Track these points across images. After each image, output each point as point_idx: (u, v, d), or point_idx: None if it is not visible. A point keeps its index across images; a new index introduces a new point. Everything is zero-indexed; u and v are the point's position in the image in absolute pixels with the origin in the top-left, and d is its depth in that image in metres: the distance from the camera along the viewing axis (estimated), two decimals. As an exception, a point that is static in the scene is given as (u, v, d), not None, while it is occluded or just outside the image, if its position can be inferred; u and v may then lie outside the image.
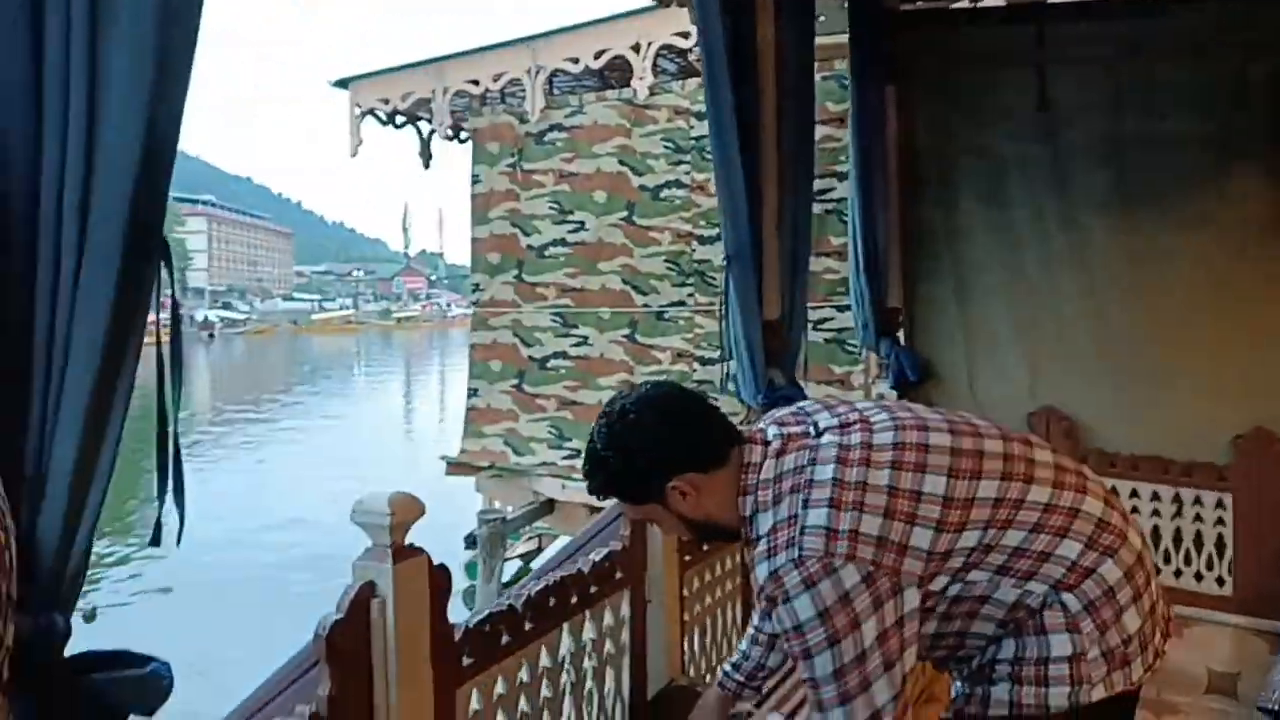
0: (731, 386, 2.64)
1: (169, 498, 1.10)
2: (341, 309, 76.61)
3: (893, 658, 1.32)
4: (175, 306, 1.10)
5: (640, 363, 5.68)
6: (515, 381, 6.10)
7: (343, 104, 6.93)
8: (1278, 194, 3.30)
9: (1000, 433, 1.46)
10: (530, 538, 7.23)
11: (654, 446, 1.45)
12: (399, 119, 6.69)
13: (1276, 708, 2.82)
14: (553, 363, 5.97)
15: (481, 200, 6.10)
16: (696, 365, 5.43)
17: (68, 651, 0.95)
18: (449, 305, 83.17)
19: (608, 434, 1.46)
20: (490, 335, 6.16)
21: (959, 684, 1.48)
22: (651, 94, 5.48)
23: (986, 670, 1.41)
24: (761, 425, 1.52)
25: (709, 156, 5.35)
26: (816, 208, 3.90)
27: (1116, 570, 1.38)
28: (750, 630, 1.89)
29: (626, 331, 5.70)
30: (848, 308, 4.86)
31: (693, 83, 5.41)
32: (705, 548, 2.41)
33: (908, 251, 3.96)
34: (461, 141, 6.81)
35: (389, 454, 16.49)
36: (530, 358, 6.03)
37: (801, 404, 1.56)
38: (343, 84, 6.96)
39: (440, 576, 1.50)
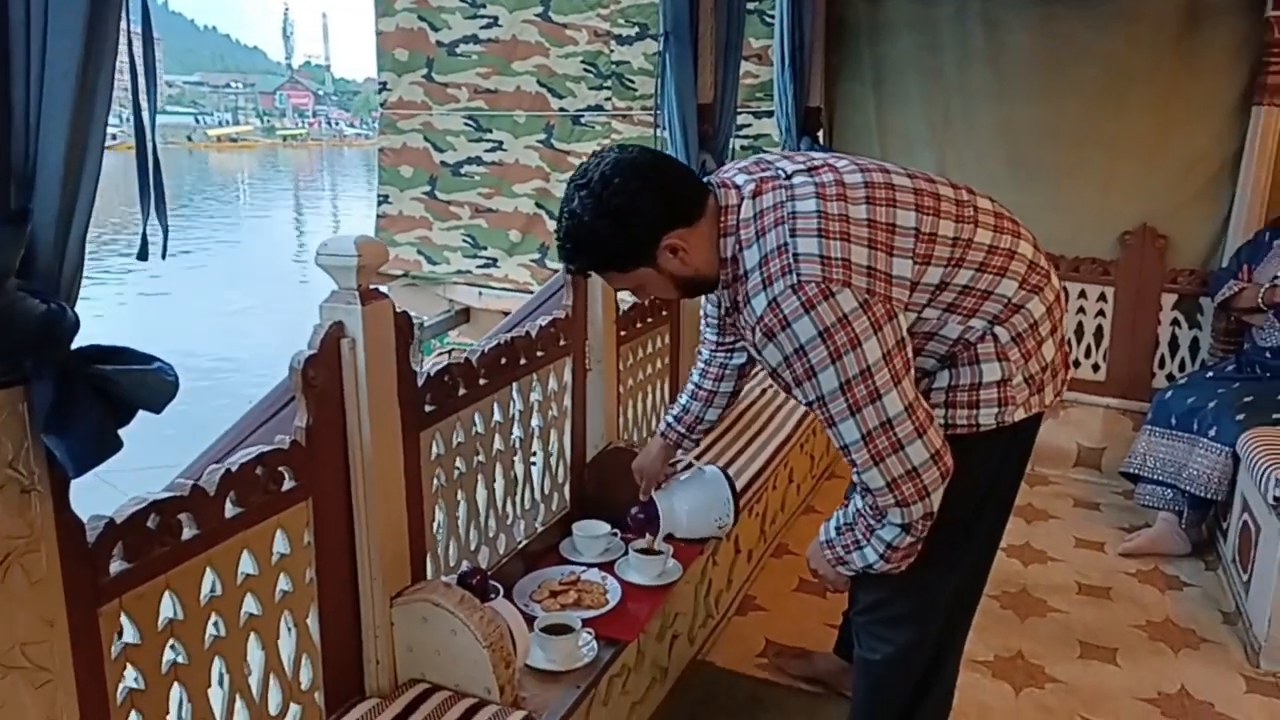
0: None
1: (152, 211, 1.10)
2: (234, 124, 71.85)
3: (902, 372, 1.41)
4: (146, 10, 1.07)
5: (556, 169, 5.58)
6: (427, 188, 5.94)
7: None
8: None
9: (948, 181, 1.57)
10: (442, 352, 7.27)
11: (645, 208, 1.45)
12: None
13: (1134, 471, 3.20)
14: (466, 169, 5.81)
15: (385, -10, 5.74)
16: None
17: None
18: (337, 123, 78.91)
19: (594, 203, 1.44)
20: (400, 139, 5.93)
21: None
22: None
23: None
24: (726, 175, 1.57)
25: (629, -51, 5.18)
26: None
27: (1041, 306, 1.54)
28: (690, 386, 2.02)
29: (542, 136, 5.57)
30: (766, 114, 4.87)
31: None
32: (638, 325, 2.51)
33: (831, 49, 3.96)
34: (359, -73, 6.30)
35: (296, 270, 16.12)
36: (442, 163, 5.85)
37: (758, 155, 1.62)
38: None
39: (404, 322, 1.55)
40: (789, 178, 1.49)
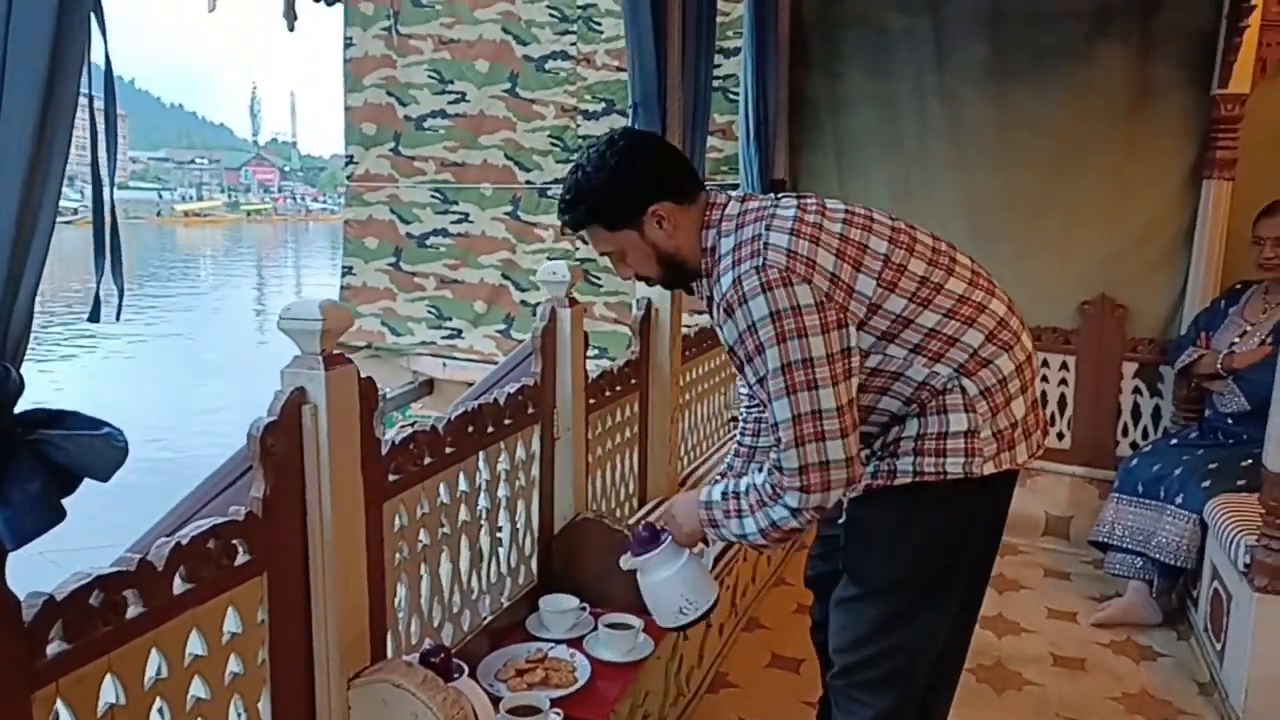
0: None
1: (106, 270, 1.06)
2: (199, 200, 72.04)
3: (843, 375, 1.47)
4: (108, 64, 1.05)
5: (522, 240, 5.60)
6: (392, 259, 5.91)
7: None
8: (1138, 70, 3.53)
9: (930, 234, 1.64)
10: (405, 425, 7.15)
11: (640, 171, 1.58)
12: (260, -25, 6.22)
13: (1103, 539, 3.20)
14: (432, 240, 5.81)
15: (355, 66, 5.77)
16: (580, 243, 5.41)
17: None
18: (303, 198, 79.24)
19: (598, 159, 1.58)
20: (366, 211, 5.93)
21: (870, 464, 1.62)
22: (535, -40, 5.29)
23: (892, 447, 1.58)
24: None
25: (596, 27, 5.30)
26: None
27: (1010, 364, 1.56)
28: (734, 445, 2.10)
29: (509, 209, 5.60)
30: (731, 186, 4.95)
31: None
32: (607, 393, 2.48)
33: (794, 122, 4.04)
34: (329, 4, 6.40)
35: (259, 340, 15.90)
36: (408, 235, 5.85)
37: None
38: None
39: (369, 388, 1.51)
40: (778, 199, 1.63)
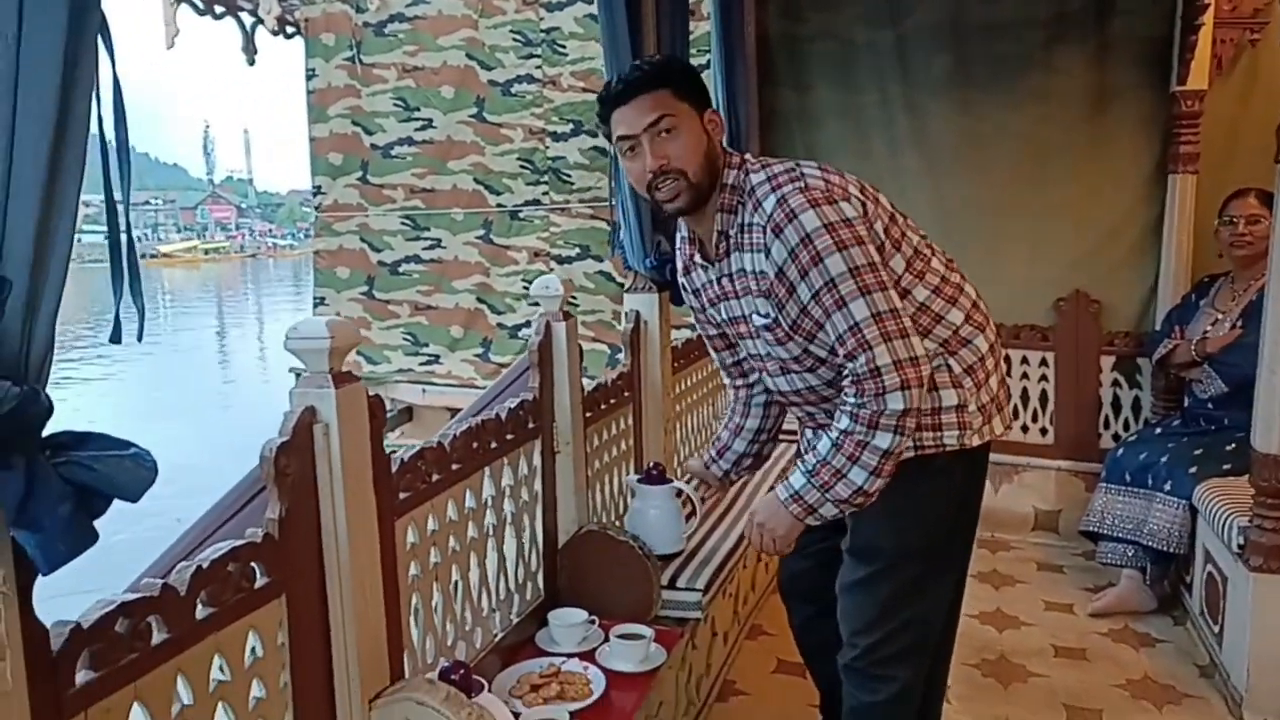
0: (619, 253, 2.69)
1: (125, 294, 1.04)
2: (159, 241, 71.32)
3: (890, 286, 1.55)
4: (117, 86, 1.04)
5: (496, 264, 5.58)
6: (365, 288, 5.87)
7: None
8: (1097, 74, 3.61)
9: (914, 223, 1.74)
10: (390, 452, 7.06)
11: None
12: (218, 8, 6.16)
13: (1094, 529, 3.23)
14: (404, 267, 5.77)
15: (318, 97, 5.74)
16: (554, 264, 5.41)
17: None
18: (261, 235, 78.56)
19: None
20: (336, 241, 5.88)
21: None
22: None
23: None
24: None
25: (560, 49, 5.32)
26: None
27: (985, 343, 1.69)
28: (728, 425, 2.10)
29: (481, 232, 5.58)
30: (702, 201, 4.97)
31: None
32: (602, 407, 2.47)
33: (765, 136, 4.08)
34: (288, 37, 6.37)
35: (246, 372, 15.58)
36: (380, 262, 5.80)
37: None
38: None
39: (377, 406, 1.50)
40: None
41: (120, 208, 1.03)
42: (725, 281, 1.72)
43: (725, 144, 1.72)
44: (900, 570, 1.69)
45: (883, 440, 1.54)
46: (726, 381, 2.08)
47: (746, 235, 1.61)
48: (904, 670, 1.72)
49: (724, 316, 1.80)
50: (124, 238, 1.02)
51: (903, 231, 1.65)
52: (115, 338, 1.04)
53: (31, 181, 0.89)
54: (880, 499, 1.64)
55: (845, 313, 1.52)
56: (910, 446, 1.61)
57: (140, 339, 1.05)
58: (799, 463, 1.74)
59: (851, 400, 1.55)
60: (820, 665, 2.04)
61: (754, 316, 1.69)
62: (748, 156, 1.69)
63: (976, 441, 1.66)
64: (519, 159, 5.48)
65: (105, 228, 1.01)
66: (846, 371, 1.57)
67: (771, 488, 1.83)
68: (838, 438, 1.58)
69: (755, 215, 1.58)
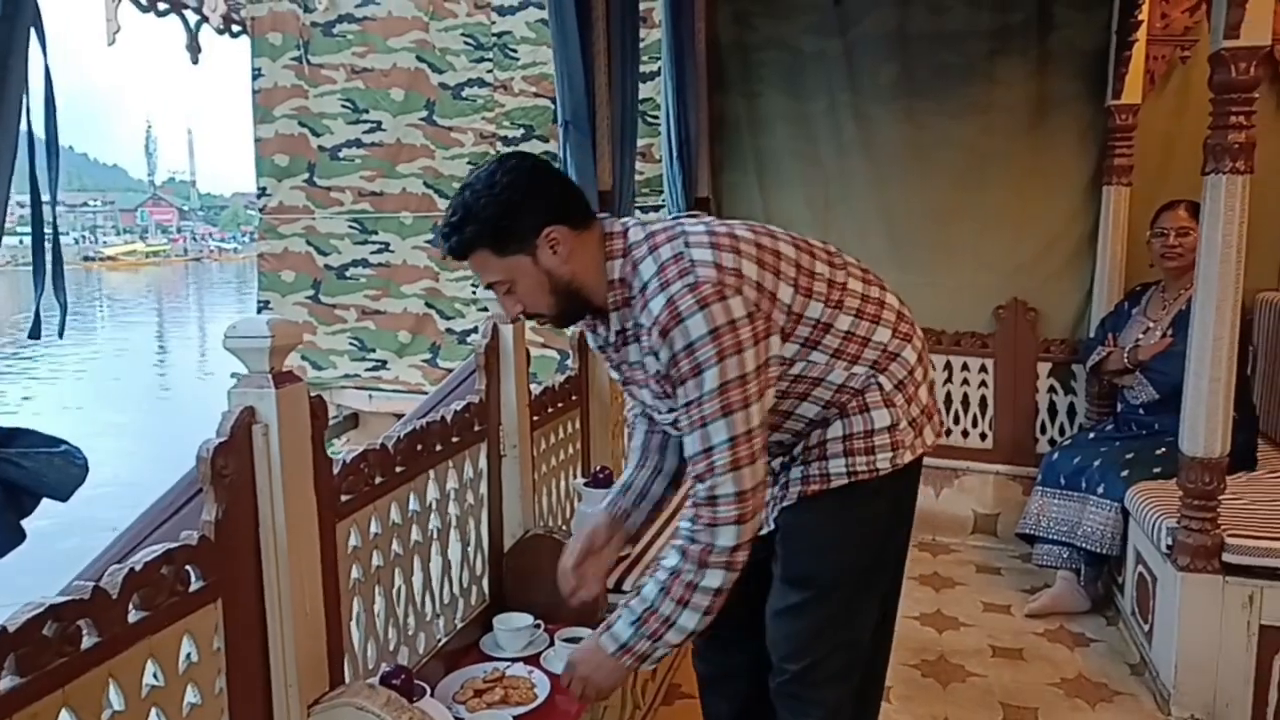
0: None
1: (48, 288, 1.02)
2: (98, 244, 69.49)
3: (765, 388, 1.46)
4: (48, 79, 1.02)
5: (445, 269, 5.54)
6: (311, 292, 5.79)
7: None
8: (1037, 85, 3.71)
9: (820, 243, 1.67)
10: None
11: (536, 190, 1.50)
12: (161, 5, 6.04)
13: (1030, 531, 3.31)
14: (351, 271, 5.71)
15: (264, 97, 5.65)
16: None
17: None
18: (204, 238, 77.04)
19: (487, 180, 1.49)
20: (281, 244, 5.79)
21: (795, 470, 1.64)
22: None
23: (818, 450, 1.61)
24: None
25: (512, 54, 5.32)
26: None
27: (912, 354, 1.64)
28: (633, 459, 1.92)
29: (430, 237, 5.53)
30: (653, 208, 5.00)
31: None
32: (549, 410, 2.47)
33: (715, 142, 4.12)
34: (234, 36, 6.26)
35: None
36: (326, 266, 5.72)
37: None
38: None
39: (319, 406, 1.48)
40: (677, 218, 1.60)
41: (46, 205, 1.01)
42: (625, 367, 1.66)
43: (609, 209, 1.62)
44: (833, 596, 1.66)
45: (713, 580, 1.47)
46: (637, 427, 1.92)
47: (639, 333, 1.53)
48: (833, 693, 1.70)
49: (624, 377, 1.71)
50: (49, 232, 1.00)
51: (811, 273, 1.55)
52: (35, 333, 1.02)
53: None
54: (815, 528, 1.63)
55: (703, 433, 1.44)
56: (843, 473, 1.58)
57: (61, 335, 1.03)
58: (622, 609, 1.59)
59: (685, 529, 1.50)
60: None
61: (650, 393, 1.63)
62: (630, 231, 1.55)
63: (909, 458, 1.63)
64: (469, 163, 5.45)
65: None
66: (690, 491, 1.50)
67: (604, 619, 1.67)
68: (666, 580, 1.50)
69: (643, 316, 1.49)
